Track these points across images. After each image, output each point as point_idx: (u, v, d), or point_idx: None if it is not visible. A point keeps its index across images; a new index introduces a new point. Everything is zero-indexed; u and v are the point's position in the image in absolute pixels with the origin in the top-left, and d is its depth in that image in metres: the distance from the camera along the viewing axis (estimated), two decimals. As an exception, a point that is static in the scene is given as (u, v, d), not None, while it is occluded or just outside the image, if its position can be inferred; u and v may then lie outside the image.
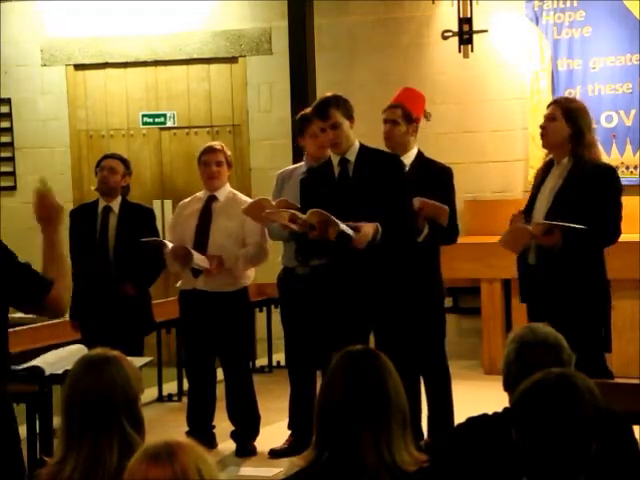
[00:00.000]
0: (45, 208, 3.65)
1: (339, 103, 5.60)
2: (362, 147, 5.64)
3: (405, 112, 6.04)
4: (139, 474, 2.20)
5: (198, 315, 6.47)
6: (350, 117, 5.60)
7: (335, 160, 5.62)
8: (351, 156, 5.59)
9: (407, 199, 5.60)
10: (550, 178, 5.55)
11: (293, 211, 5.54)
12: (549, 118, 5.57)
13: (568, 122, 5.50)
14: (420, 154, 6.08)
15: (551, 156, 5.62)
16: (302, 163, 6.45)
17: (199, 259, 6.33)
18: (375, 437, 2.75)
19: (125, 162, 6.83)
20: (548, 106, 5.73)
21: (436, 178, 5.99)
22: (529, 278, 5.55)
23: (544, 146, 5.65)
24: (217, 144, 6.69)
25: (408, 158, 6.00)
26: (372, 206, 5.39)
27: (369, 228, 5.33)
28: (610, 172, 5.56)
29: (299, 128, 6.42)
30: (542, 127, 5.60)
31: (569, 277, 5.38)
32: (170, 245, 6.41)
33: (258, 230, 6.44)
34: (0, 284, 3.57)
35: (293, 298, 6.36)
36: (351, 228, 5.30)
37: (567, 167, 5.49)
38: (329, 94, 5.71)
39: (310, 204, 5.56)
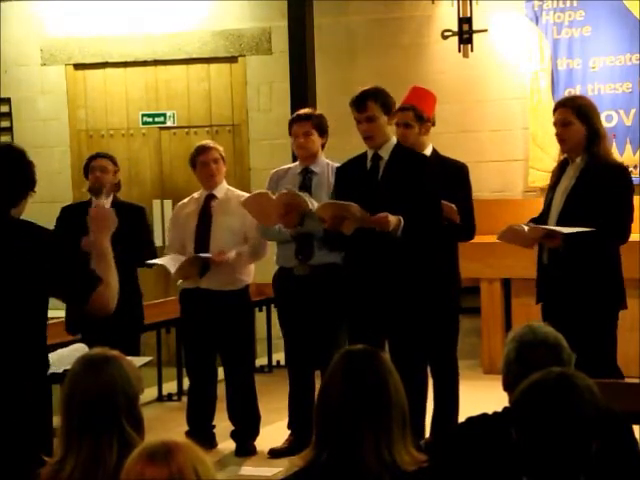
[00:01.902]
0: (99, 214, 3.90)
1: (378, 97, 5.57)
2: (398, 145, 5.62)
3: (417, 113, 6.04)
4: (135, 473, 2.20)
5: (200, 314, 6.47)
6: (388, 113, 5.58)
7: (369, 154, 5.62)
8: (384, 153, 5.59)
9: (435, 201, 5.58)
10: (564, 178, 5.54)
11: (303, 198, 5.60)
12: (563, 123, 5.48)
13: (582, 122, 5.45)
14: (435, 152, 6.08)
15: (565, 155, 5.60)
16: (296, 163, 6.46)
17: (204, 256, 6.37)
18: (375, 437, 2.74)
19: (112, 159, 6.82)
20: (555, 109, 5.63)
21: (453, 176, 5.98)
22: (544, 278, 5.55)
23: (563, 151, 5.57)
24: (209, 142, 6.69)
25: None
26: (398, 204, 5.39)
27: (392, 217, 5.35)
28: (621, 171, 5.55)
29: (288, 129, 6.44)
30: (558, 134, 5.52)
31: (581, 276, 5.37)
32: (172, 269, 6.38)
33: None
34: (48, 277, 3.69)
35: (290, 298, 6.34)
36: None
37: (580, 166, 5.47)
38: (370, 86, 5.67)
39: (341, 194, 5.57)
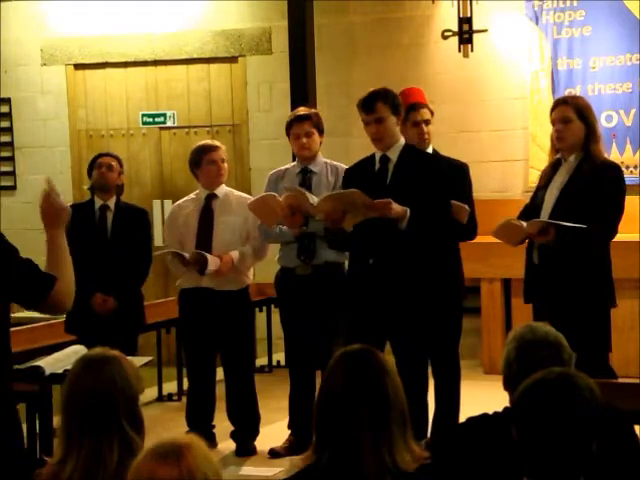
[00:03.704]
0: (50, 208, 3.61)
1: (387, 97, 5.52)
2: (407, 146, 5.59)
3: (431, 110, 6.07)
4: (147, 473, 2.19)
5: (200, 313, 6.46)
6: (397, 113, 5.53)
7: (377, 156, 5.59)
8: (393, 154, 5.55)
9: (444, 201, 5.56)
10: (558, 176, 5.54)
11: (305, 194, 5.59)
12: (564, 120, 5.48)
13: (582, 121, 5.47)
14: (435, 152, 6.08)
15: (558, 155, 5.59)
16: (294, 163, 6.46)
17: (212, 263, 6.31)
18: (375, 437, 2.74)
19: (120, 161, 6.82)
20: (554, 107, 5.64)
21: (453, 175, 5.96)
22: (534, 278, 5.55)
23: (560, 148, 5.56)
24: (215, 142, 6.69)
25: None
26: (407, 207, 5.38)
27: (397, 205, 5.33)
28: (615, 170, 5.55)
29: (286, 130, 6.44)
30: (557, 131, 5.51)
31: (572, 276, 5.38)
32: (186, 255, 6.35)
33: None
34: (1, 281, 3.56)
35: (292, 298, 6.34)
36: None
37: (573, 165, 5.49)
38: (378, 88, 5.62)
39: None
